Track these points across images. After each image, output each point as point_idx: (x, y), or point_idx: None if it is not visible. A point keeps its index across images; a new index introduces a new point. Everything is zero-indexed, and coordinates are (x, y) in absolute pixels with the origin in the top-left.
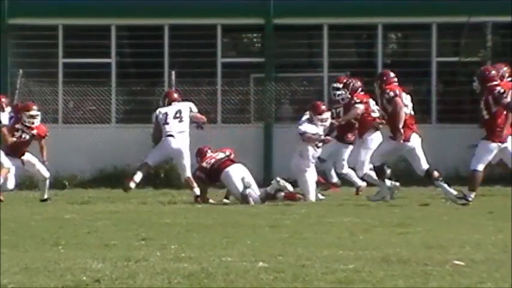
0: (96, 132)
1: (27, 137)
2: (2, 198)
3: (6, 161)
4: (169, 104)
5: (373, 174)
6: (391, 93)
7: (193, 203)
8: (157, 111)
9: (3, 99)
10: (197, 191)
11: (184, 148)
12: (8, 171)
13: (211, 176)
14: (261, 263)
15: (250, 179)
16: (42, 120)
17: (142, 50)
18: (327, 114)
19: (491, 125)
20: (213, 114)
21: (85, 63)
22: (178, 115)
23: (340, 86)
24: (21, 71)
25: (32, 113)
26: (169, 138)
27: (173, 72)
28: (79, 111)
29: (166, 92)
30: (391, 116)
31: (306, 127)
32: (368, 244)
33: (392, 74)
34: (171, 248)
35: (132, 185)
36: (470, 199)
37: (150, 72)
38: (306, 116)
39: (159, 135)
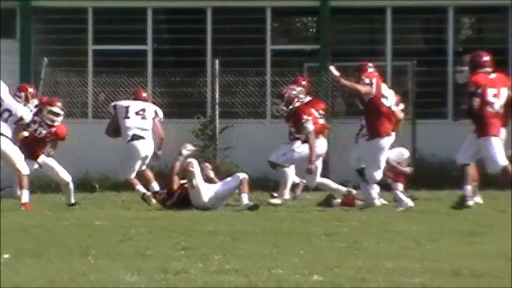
0: None
1: (43, 132)
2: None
3: (25, 167)
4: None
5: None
6: (367, 80)
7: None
8: (115, 103)
9: (30, 90)
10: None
11: (150, 153)
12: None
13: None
14: (315, 276)
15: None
16: (70, 115)
17: (182, 35)
18: (401, 106)
19: None
20: (261, 108)
21: (118, 51)
22: (141, 112)
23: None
24: (46, 59)
25: (54, 109)
26: (136, 143)
27: (217, 61)
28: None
29: (136, 89)
30: (367, 108)
31: None
32: (436, 255)
33: (370, 66)
34: (214, 258)
35: (141, 189)
36: None
37: (191, 60)
38: None
39: (114, 128)
